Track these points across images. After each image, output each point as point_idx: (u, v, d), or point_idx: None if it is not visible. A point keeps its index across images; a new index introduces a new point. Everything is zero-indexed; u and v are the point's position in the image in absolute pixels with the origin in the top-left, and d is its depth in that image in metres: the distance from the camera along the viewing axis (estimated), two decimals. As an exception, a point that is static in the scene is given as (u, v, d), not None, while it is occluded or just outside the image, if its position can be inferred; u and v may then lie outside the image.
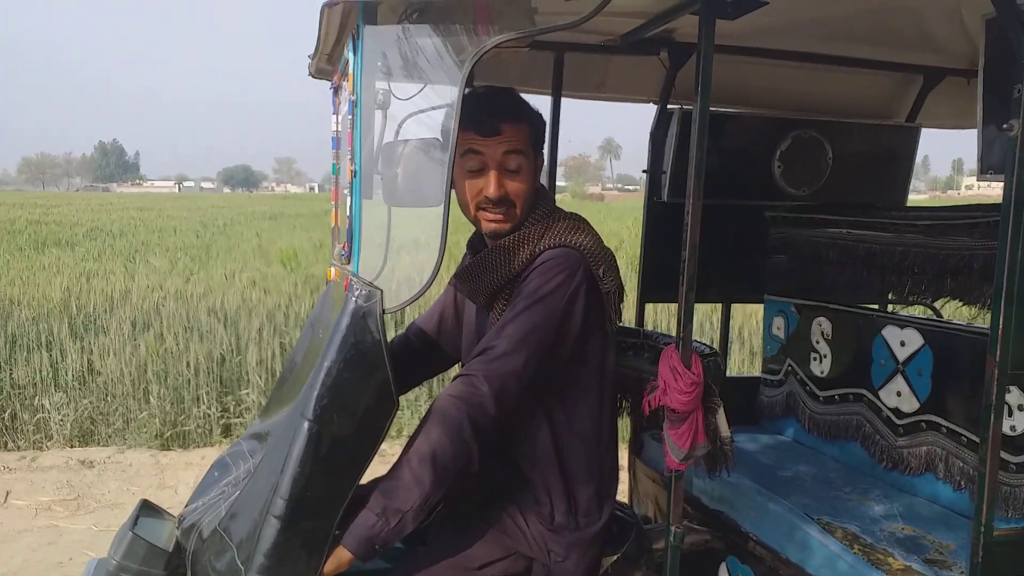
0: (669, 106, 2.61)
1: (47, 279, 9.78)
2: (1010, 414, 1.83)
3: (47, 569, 4.10)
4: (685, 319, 1.54)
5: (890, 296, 2.34)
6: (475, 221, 1.69)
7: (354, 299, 1.42)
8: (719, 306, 3.13)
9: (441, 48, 1.45)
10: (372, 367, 1.38)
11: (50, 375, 6.30)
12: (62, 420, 5.98)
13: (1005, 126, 1.34)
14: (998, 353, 1.32)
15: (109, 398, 6.14)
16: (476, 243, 1.80)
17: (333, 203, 1.82)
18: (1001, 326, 1.32)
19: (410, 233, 1.70)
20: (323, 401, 1.35)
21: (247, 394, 6.19)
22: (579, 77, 2.59)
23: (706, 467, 1.71)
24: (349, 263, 1.51)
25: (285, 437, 1.40)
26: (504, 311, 1.60)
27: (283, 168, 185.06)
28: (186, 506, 1.72)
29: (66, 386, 6.21)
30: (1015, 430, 1.82)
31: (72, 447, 5.94)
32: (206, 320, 7.31)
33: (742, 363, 6.61)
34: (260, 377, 6.34)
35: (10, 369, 6.38)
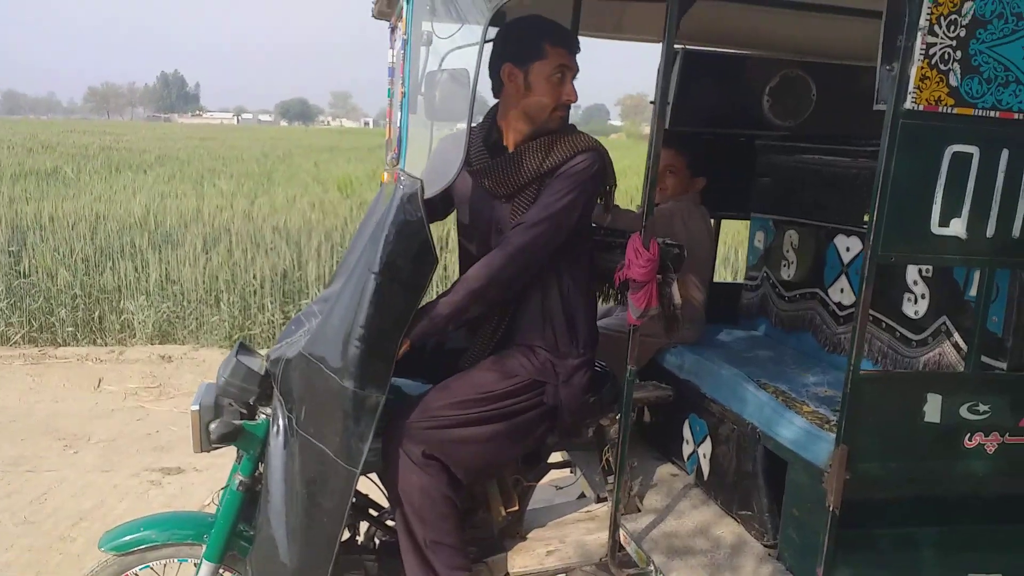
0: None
1: (126, 198, 10.59)
2: (915, 301, 2.29)
3: (139, 439, 4.84)
4: (647, 212, 2.03)
5: (846, 212, 2.74)
6: (547, 119, 2.12)
7: (402, 187, 1.94)
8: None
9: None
10: (417, 234, 1.91)
11: (134, 281, 7.03)
12: (144, 320, 6.71)
13: (888, 67, 1.78)
14: (871, 238, 1.78)
15: (185, 303, 6.84)
16: (495, 147, 2.22)
17: (388, 120, 2.34)
18: (875, 219, 1.76)
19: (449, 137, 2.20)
20: (384, 259, 1.88)
21: (307, 304, 6.84)
22: (599, 19, 3.02)
23: (665, 329, 2.23)
24: (398, 164, 2.03)
25: (357, 287, 1.93)
26: (531, 199, 2.11)
27: (339, 102, 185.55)
28: (272, 348, 2.30)
29: (147, 291, 6.92)
30: (917, 314, 2.28)
31: (153, 344, 6.67)
32: (270, 237, 7.96)
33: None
34: (319, 290, 6.97)
35: (99, 275, 7.12)
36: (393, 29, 2.35)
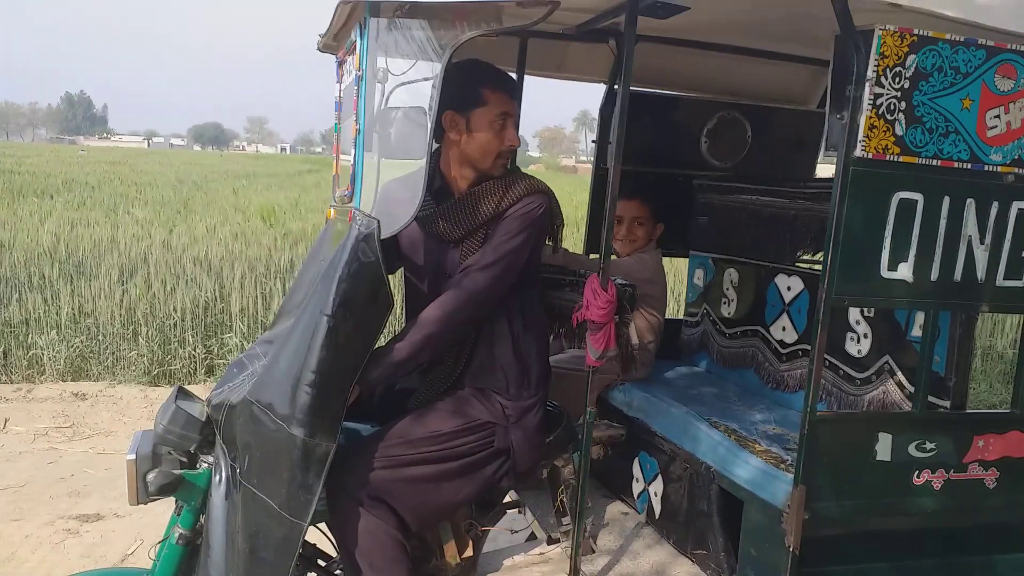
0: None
1: (33, 226, 10.06)
2: (858, 340, 2.37)
3: (51, 483, 4.54)
4: (605, 255, 2.03)
5: (785, 252, 2.82)
6: (491, 165, 2.13)
7: (357, 227, 1.88)
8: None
9: (427, 38, 1.90)
10: (373, 276, 1.84)
11: (43, 314, 6.65)
12: (55, 356, 6.34)
13: (839, 116, 1.84)
14: (825, 282, 1.83)
15: (100, 337, 6.50)
16: (440, 193, 2.21)
17: (335, 156, 2.28)
18: (829, 264, 1.82)
19: (399, 179, 2.16)
20: (338, 301, 1.82)
21: (230, 338, 6.60)
22: (543, 58, 3.05)
23: (620, 369, 2.23)
24: (351, 201, 1.97)
25: (307, 329, 1.85)
26: (480, 242, 2.10)
27: (255, 127, 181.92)
28: (212, 392, 2.19)
29: (59, 325, 6.55)
30: (860, 353, 2.35)
31: (64, 381, 6.30)
32: (191, 269, 7.68)
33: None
34: (243, 323, 6.75)
35: (4, 308, 6.71)
36: (341, 64, 2.31)
